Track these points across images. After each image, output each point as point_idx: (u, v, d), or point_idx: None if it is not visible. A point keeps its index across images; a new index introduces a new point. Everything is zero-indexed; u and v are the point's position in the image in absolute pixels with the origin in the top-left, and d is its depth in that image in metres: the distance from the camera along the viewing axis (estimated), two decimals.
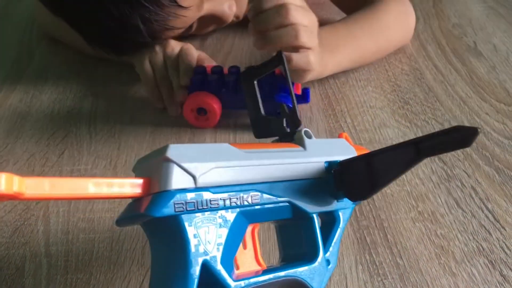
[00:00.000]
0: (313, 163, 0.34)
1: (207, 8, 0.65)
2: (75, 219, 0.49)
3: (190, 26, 0.68)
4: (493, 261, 0.44)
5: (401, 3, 0.71)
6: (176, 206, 0.28)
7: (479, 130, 0.25)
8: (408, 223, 0.47)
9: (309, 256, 0.34)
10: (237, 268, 0.33)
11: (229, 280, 0.29)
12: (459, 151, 0.55)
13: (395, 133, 0.59)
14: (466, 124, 0.59)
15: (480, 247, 0.45)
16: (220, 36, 0.79)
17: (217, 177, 0.30)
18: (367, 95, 0.65)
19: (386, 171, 0.30)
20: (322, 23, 0.58)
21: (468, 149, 0.56)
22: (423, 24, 0.80)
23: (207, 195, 0.29)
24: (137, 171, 0.30)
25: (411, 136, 0.58)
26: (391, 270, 0.43)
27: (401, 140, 0.56)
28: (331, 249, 0.35)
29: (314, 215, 0.34)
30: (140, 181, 0.29)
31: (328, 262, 0.34)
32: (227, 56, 0.74)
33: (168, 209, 0.28)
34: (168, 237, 0.29)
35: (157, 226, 0.30)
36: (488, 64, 0.70)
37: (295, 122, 0.37)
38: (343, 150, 0.37)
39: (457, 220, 0.48)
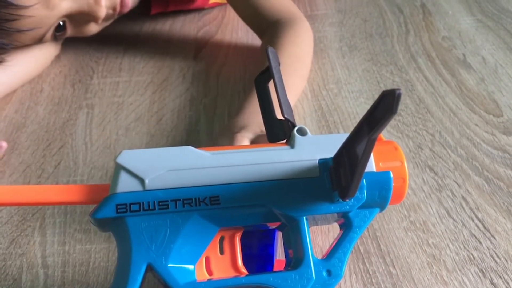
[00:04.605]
0: (299, 161, 0.32)
1: (67, 6, 0.62)
2: (72, 230, 0.49)
3: (64, 28, 0.66)
4: (484, 270, 0.45)
5: (298, 25, 0.68)
6: (118, 208, 0.29)
7: (397, 92, 0.23)
8: (401, 232, 0.48)
9: (295, 263, 0.31)
10: (211, 274, 0.32)
11: (176, 283, 0.29)
12: (449, 162, 0.56)
13: None
14: (456, 134, 0.60)
15: (471, 256, 0.46)
16: (216, 45, 0.80)
17: (169, 180, 0.30)
18: (360, 107, 0.66)
19: (360, 154, 0.27)
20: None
21: (458, 160, 0.57)
22: (413, 36, 0.81)
23: (155, 198, 0.30)
24: None
25: (403, 146, 0.59)
26: (384, 279, 0.44)
27: None
28: (335, 258, 0.32)
29: (304, 219, 0.32)
30: (84, 188, 0.31)
31: (328, 272, 0.31)
32: (221, 67, 0.75)
33: (109, 211, 0.29)
34: (119, 239, 0.30)
35: (113, 230, 0.31)
36: (477, 76, 0.71)
37: (287, 119, 0.34)
38: None
39: (448, 230, 0.49)
